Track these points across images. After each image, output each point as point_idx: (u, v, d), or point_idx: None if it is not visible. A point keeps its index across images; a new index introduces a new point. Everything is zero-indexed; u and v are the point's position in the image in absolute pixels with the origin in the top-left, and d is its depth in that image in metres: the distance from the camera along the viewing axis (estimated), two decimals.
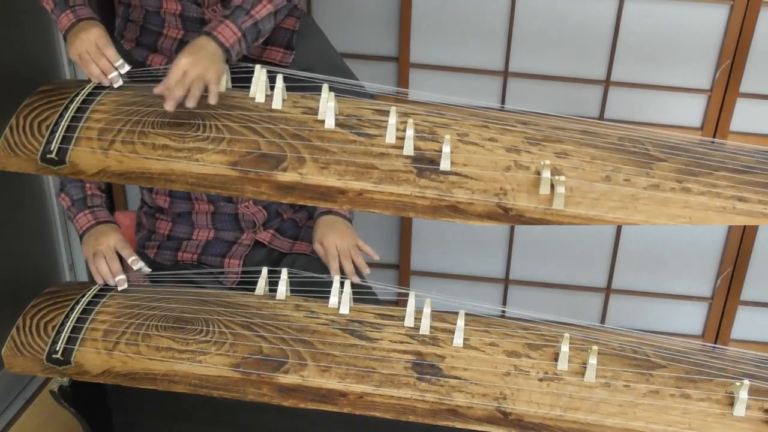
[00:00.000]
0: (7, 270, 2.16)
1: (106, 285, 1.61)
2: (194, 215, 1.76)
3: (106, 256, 1.60)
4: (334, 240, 1.68)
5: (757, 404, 1.38)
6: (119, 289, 1.59)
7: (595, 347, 1.40)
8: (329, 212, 1.75)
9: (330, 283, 1.54)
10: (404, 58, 2.33)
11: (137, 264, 1.62)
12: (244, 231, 1.77)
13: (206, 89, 1.45)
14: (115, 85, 1.51)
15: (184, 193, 1.73)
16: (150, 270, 1.64)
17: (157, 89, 1.44)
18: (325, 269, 1.66)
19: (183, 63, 1.44)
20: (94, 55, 1.49)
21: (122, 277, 1.60)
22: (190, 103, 1.44)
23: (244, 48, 1.52)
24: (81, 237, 1.66)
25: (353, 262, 1.68)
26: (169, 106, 1.43)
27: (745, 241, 2.42)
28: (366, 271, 1.70)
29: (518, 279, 2.60)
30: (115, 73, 1.51)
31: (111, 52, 1.50)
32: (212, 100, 1.45)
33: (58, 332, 1.50)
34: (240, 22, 1.50)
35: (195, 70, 1.43)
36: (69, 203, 1.68)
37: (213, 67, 1.46)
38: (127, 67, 1.51)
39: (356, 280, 1.65)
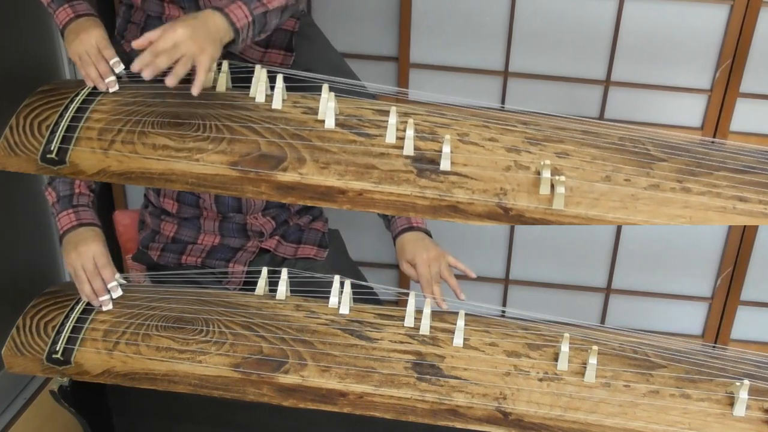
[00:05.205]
0: (7, 270, 2.16)
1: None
2: (201, 220, 1.75)
3: (88, 274, 1.51)
4: (427, 261, 1.60)
5: (757, 404, 1.38)
6: (104, 309, 1.52)
7: (595, 347, 1.40)
8: (410, 228, 1.64)
9: (330, 284, 1.54)
10: (404, 58, 2.33)
11: (117, 291, 1.53)
12: (250, 239, 1.76)
13: (192, 71, 1.32)
14: (111, 90, 1.46)
15: (192, 200, 1.72)
16: (127, 281, 1.60)
17: (136, 43, 1.31)
18: (326, 271, 1.65)
19: (179, 34, 1.29)
20: (94, 57, 1.45)
21: (106, 297, 1.52)
22: (170, 82, 1.30)
23: (250, 37, 1.43)
24: (61, 238, 1.57)
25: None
26: (147, 73, 1.31)
27: (745, 241, 2.42)
28: (461, 297, 1.60)
29: (518, 279, 2.60)
30: (112, 78, 1.45)
31: (110, 54, 1.46)
32: (195, 90, 1.32)
33: (58, 332, 1.50)
34: (252, 6, 1.41)
35: (189, 46, 1.30)
36: (54, 199, 1.60)
37: (209, 49, 1.32)
38: (121, 67, 1.45)
39: (445, 307, 1.56)
